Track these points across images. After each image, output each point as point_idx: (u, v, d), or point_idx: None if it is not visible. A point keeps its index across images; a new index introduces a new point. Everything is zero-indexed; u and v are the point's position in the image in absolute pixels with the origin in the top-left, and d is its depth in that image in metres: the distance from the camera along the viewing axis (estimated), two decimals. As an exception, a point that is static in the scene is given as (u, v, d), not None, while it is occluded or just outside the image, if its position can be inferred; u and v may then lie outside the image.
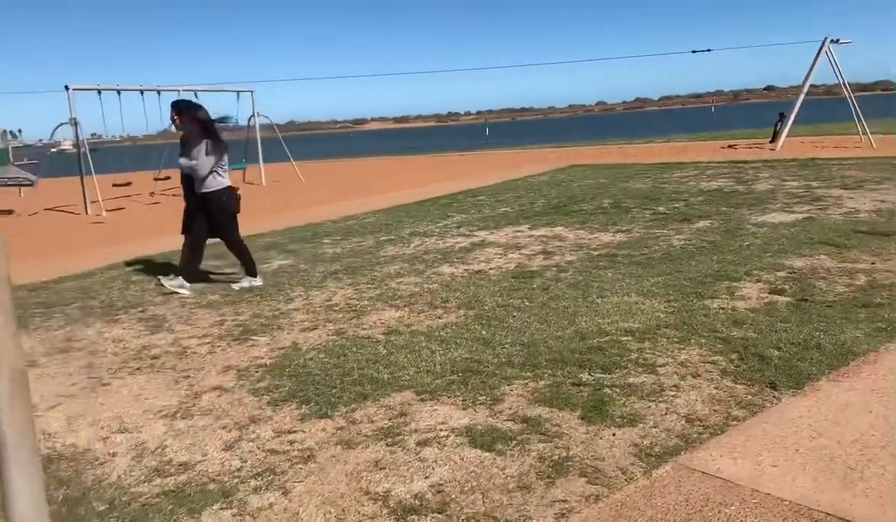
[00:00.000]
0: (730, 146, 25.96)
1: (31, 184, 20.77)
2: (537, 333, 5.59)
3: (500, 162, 26.95)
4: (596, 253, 8.67)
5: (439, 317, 6.25)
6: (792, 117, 23.60)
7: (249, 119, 24.81)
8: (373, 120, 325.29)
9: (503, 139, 75.37)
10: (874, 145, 21.49)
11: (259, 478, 3.56)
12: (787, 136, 24.72)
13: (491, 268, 8.13)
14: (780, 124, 24.58)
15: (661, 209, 12.01)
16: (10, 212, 20.06)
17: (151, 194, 21.91)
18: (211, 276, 8.44)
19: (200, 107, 7.91)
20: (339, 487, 3.43)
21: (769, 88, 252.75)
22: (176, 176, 23.87)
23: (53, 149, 24.73)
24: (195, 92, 22.14)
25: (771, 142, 24.59)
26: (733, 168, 18.13)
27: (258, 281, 7.75)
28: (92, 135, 23.17)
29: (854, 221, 9.78)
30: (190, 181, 7.68)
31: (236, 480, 3.56)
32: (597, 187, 15.82)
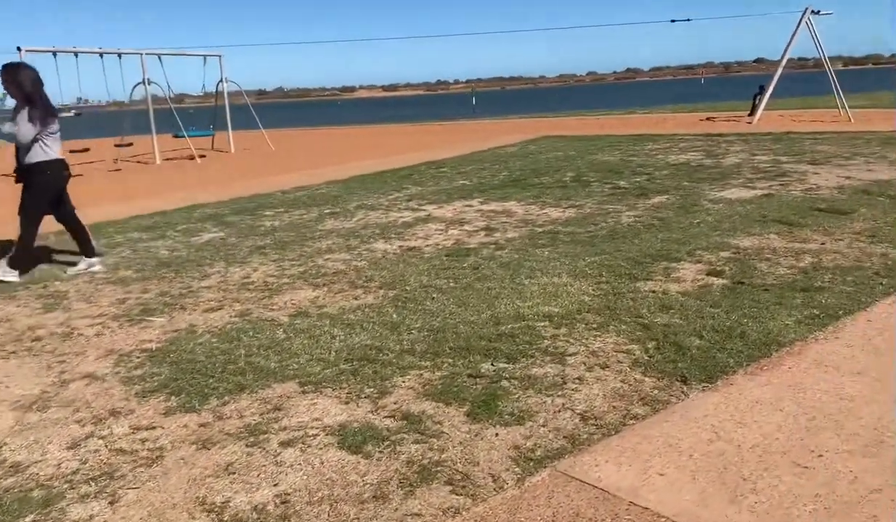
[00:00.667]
0: (708, 119, 25.56)
1: None
2: (451, 317, 5.23)
3: (476, 132, 26.45)
4: (540, 229, 8.29)
5: (356, 298, 5.88)
6: (769, 90, 23.19)
7: (217, 84, 24.11)
8: (361, 88, 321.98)
9: (490, 108, 74.65)
10: (852, 119, 21.15)
11: (92, 484, 3.20)
12: (766, 110, 24.35)
13: (427, 246, 7.75)
14: (758, 97, 24.16)
15: (622, 183, 11.63)
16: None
17: (115, 161, 21.30)
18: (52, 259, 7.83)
19: (27, 67, 7.05)
20: (174, 496, 3.07)
21: (759, 61, 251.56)
22: (140, 142, 23.31)
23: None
24: (159, 56, 21.49)
25: (749, 115, 24.19)
26: (707, 141, 17.76)
27: (97, 265, 7.14)
28: (77, 99, 22.11)
29: (814, 199, 9.44)
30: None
31: (66, 485, 3.19)
32: (564, 159, 15.41)
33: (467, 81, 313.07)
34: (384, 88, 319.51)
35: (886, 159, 12.88)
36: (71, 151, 20.24)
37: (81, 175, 18.10)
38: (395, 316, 5.32)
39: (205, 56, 23.23)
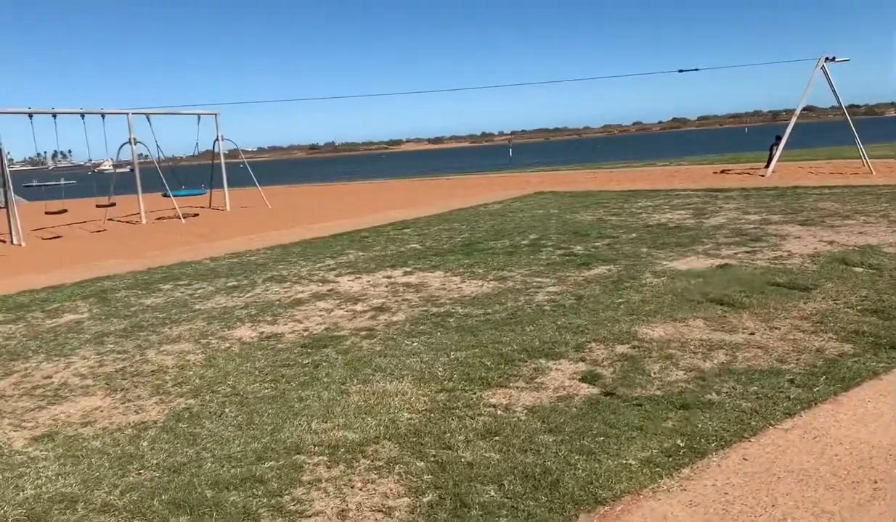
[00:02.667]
0: (723, 171, 24.18)
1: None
2: (212, 447, 4.18)
3: (479, 186, 25.52)
4: (435, 310, 7.21)
5: (138, 411, 4.88)
6: (783, 142, 21.78)
7: (215, 143, 23.73)
8: (408, 141, 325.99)
9: (527, 159, 74.14)
10: (873, 171, 19.59)
11: None
12: (786, 161, 22.89)
13: (293, 332, 6.73)
14: (774, 148, 22.74)
15: (577, 248, 10.49)
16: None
17: (103, 221, 20.88)
18: None
19: None
20: None
21: (809, 109, 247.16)
22: (123, 202, 22.87)
23: (94, 170, 23.96)
24: (147, 115, 21.22)
25: (765, 167, 22.75)
26: (704, 197, 16.47)
27: None
28: (139, 156, 21.80)
29: (776, 270, 8.18)
30: None
31: None
32: (538, 219, 14.32)
33: (511, 133, 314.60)
34: (430, 141, 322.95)
35: (887, 219, 11.47)
36: (47, 213, 19.97)
37: (60, 236, 17.68)
38: (145, 444, 4.29)
39: (199, 114, 22.91)
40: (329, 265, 10.33)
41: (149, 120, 21.20)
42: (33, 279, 10.66)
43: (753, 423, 4.21)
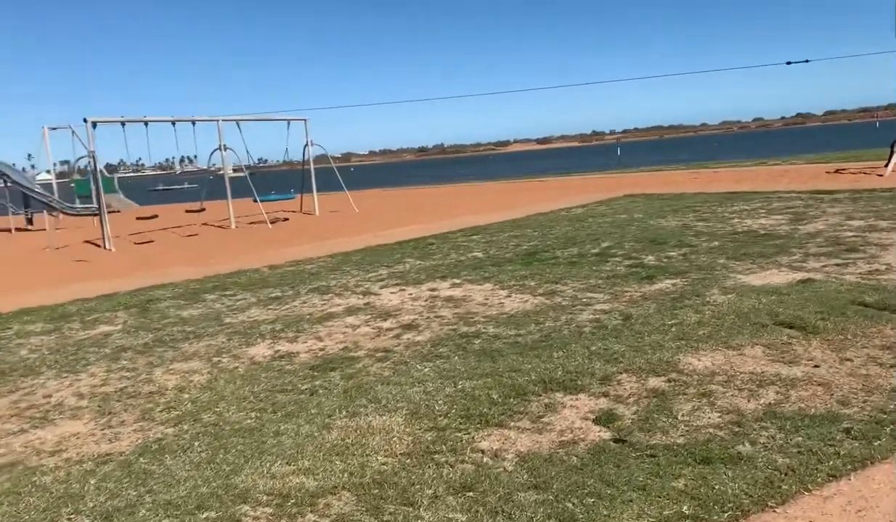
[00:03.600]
0: (837, 171, 22.21)
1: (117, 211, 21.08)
2: (156, 491, 3.82)
3: (571, 188, 24.63)
4: (465, 329, 6.67)
5: (112, 440, 4.64)
6: (903, 138, 19.68)
7: (304, 148, 23.99)
8: (516, 142, 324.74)
9: (636, 158, 71.96)
10: None
11: None
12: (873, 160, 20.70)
13: (308, 352, 6.36)
14: (895, 145, 20.63)
15: (648, 259, 9.65)
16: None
17: (196, 225, 21.50)
18: None
19: None
20: None
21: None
22: (210, 206, 23.45)
23: (214, 175, 25.23)
24: (237, 122, 21.69)
25: (886, 165, 20.67)
26: (808, 200, 15.05)
27: None
28: (259, 159, 22.30)
29: (866, 287, 7.12)
30: None
31: None
32: (618, 225, 13.45)
33: (623, 131, 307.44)
34: (538, 141, 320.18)
35: None
36: (138, 218, 20.72)
37: (152, 241, 18.29)
38: (93, 482, 4.00)
39: (288, 120, 23.22)
40: (380, 275, 9.95)
41: (239, 126, 21.65)
42: (99, 285, 10.85)
43: (785, 486, 3.44)
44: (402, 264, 10.84)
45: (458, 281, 9.09)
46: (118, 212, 23.39)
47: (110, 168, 44.69)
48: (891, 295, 6.83)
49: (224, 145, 20.92)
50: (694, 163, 37.18)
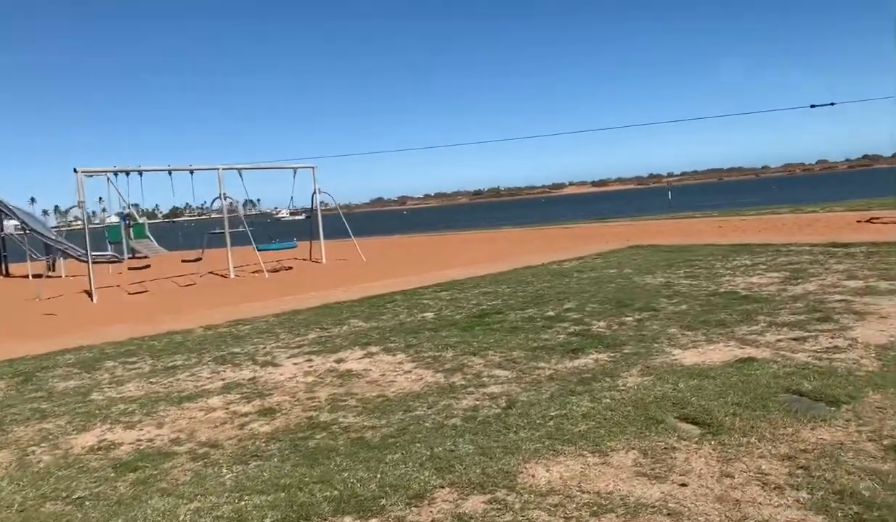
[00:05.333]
0: (870, 220, 20.68)
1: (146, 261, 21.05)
2: None
3: (586, 237, 23.62)
4: (325, 417, 5.90)
5: None
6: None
7: (313, 196, 23.70)
8: (571, 184, 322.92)
9: (689, 202, 70.20)
10: None
11: None
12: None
13: (132, 443, 5.67)
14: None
15: (598, 325, 8.75)
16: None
17: (196, 274, 21.27)
18: None
19: None
20: None
21: None
22: (208, 256, 23.17)
23: (271, 218, 25.25)
24: (239, 171, 21.54)
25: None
26: (819, 254, 13.84)
27: None
28: (322, 203, 22.40)
29: (812, 370, 6.13)
30: None
31: None
32: (598, 282, 12.51)
33: (681, 174, 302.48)
34: (593, 184, 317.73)
35: None
36: (130, 268, 20.54)
37: (146, 291, 18.04)
38: None
39: (295, 168, 22.98)
40: (303, 341, 9.26)
41: (241, 175, 21.48)
42: (32, 345, 10.45)
43: None
44: (341, 326, 10.13)
45: (375, 349, 8.32)
46: (119, 261, 23.03)
47: (148, 213, 45.41)
48: (836, 380, 5.80)
49: (224, 194, 20.73)
50: (732, 210, 35.65)
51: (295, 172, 23.06)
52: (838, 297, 9.25)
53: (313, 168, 23.42)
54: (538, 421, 5.30)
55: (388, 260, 22.06)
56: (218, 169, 20.59)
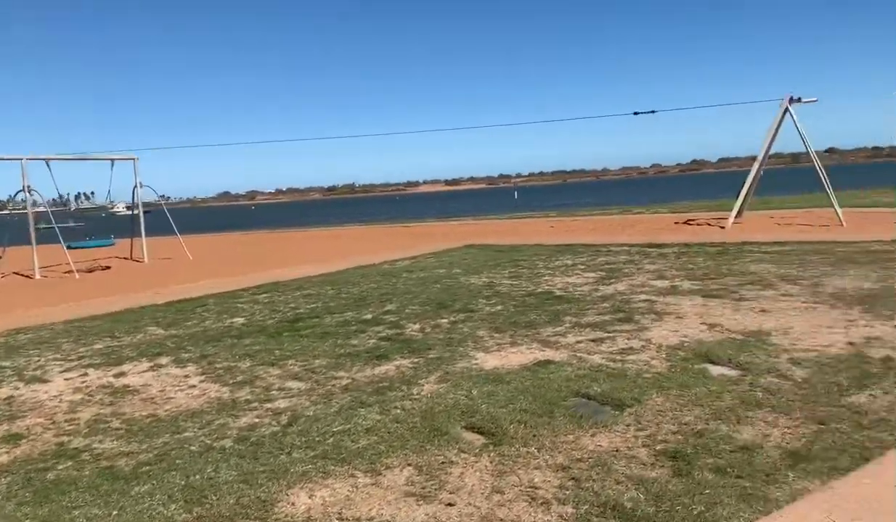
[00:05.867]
0: (687, 222, 21.99)
1: None
2: None
3: (425, 236, 23.55)
4: (79, 441, 5.21)
5: None
6: (743, 192, 19.64)
7: (134, 190, 22.02)
8: (425, 183, 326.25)
9: (532, 202, 72.46)
10: (844, 223, 17.33)
11: None
12: (757, 210, 20.73)
13: None
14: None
15: (412, 328, 8.50)
16: None
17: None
18: None
19: None
20: None
21: (830, 151, 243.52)
22: (20, 254, 21.05)
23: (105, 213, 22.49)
24: (46, 161, 19.64)
25: (736, 216, 20.48)
26: (636, 254, 14.38)
27: None
28: (161, 196, 20.35)
29: (604, 372, 6.15)
30: None
31: None
32: (425, 282, 12.31)
33: (529, 174, 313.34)
34: (446, 183, 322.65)
35: (812, 289, 9.30)
36: None
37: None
38: None
39: (112, 160, 21.26)
40: (87, 351, 8.38)
41: (48, 166, 19.62)
42: None
43: None
44: (135, 334, 9.28)
45: (164, 361, 7.62)
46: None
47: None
48: (624, 383, 5.82)
49: (28, 186, 18.81)
50: (568, 210, 37.08)
51: (112, 164, 21.36)
52: (644, 297, 9.55)
53: (134, 159, 21.79)
54: (317, 439, 4.91)
55: (219, 258, 20.95)
56: (21, 159, 18.65)
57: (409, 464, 4.43)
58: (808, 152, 18.93)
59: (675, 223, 21.81)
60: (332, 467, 4.44)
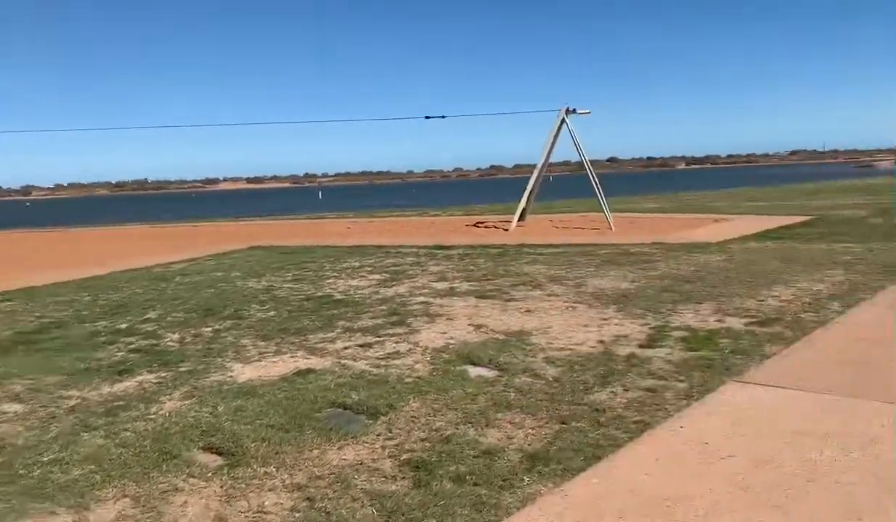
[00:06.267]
0: (477, 224, 22.65)
1: None
2: None
3: (209, 236, 22.29)
4: None
5: None
6: (525, 197, 20.58)
7: None
8: (225, 180, 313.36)
9: (339, 203, 71.50)
10: (613, 228, 18.65)
11: None
12: (539, 214, 21.81)
13: None
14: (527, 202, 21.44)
15: (170, 338, 7.81)
16: None
17: None
18: None
19: None
20: None
21: (611, 160, 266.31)
22: None
23: None
24: None
25: (519, 220, 21.35)
26: (424, 256, 14.46)
27: None
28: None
29: (366, 379, 5.94)
30: None
31: None
32: (197, 286, 11.53)
33: (336, 174, 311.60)
34: (248, 181, 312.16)
35: (576, 290, 9.74)
36: None
37: None
38: None
39: None
40: None
41: None
42: None
43: None
44: None
45: None
46: None
47: None
48: (383, 389, 5.68)
49: None
50: (375, 211, 37.05)
51: None
52: (422, 300, 9.54)
53: None
54: (20, 473, 4.25)
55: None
56: None
57: (126, 496, 3.93)
58: (585, 160, 20.17)
59: (467, 225, 22.41)
60: (31, 505, 3.83)
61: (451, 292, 10.07)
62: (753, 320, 7.59)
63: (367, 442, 4.66)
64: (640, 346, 6.77)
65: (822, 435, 4.40)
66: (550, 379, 5.87)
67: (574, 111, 19.99)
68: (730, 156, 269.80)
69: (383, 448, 4.57)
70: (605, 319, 7.98)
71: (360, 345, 7.14)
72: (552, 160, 21.63)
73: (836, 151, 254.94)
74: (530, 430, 4.77)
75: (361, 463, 4.34)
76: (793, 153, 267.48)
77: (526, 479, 4.03)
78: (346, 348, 7.06)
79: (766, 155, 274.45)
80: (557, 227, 20.15)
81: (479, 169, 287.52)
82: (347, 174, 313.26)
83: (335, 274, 12.47)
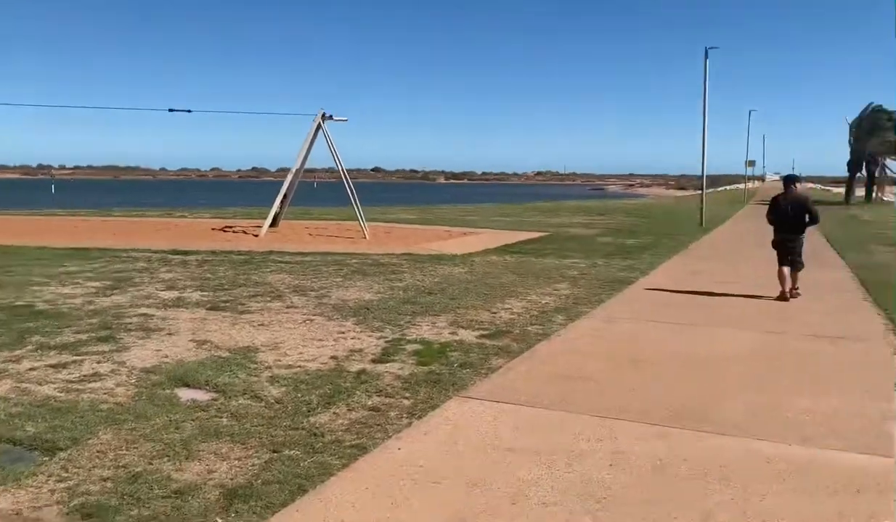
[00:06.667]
0: (224, 228, 21.39)
1: None
2: None
3: None
4: None
5: None
6: (278, 201, 19.88)
7: None
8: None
9: (74, 198, 64.41)
10: (367, 236, 18.54)
11: None
12: (293, 220, 21.13)
13: None
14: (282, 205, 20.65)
15: None
16: None
17: None
18: None
19: None
20: None
21: (376, 169, 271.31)
22: None
23: None
24: None
25: (271, 225, 20.44)
26: (156, 262, 13.18)
27: None
28: None
29: (50, 407, 4.97)
30: None
31: None
32: None
33: (75, 167, 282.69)
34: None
35: (317, 301, 9.32)
36: None
37: None
38: None
39: None
40: None
41: None
42: None
43: None
44: None
45: None
46: None
47: None
48: (69, 419, 4.84)
49: None
50: (135, 210, 33.76)
51: None
52: (143, 311, 8.59)
53: None
54: None
55: None
56: None
57: None
58: (341, 167, 19.92)
59: (213, 229, 21.15)
60: None
61: (179, 303, 9.21)
62: (485, 333, 7.73)
63: (32, 486, 3.89)
64: (373, 361, 6.55)
65: (533, 451, 4.41)
66: (272, 400, 5.42)
67: (331, 117, 19.70)
68: (484, 174, 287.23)
69: (52, 491, 3.83)
70: (342, 333, 7.69)
71: (52, 366, 6.14)
72: (318, 165, 21.18)
73: (574, 174, 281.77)
74: (236, 461, 4.28)
75: (17, 514, 3.57)
76: (538, 174, 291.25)
77: (219, 521, 3.54)
78: (31, 369, 6.03)
79: (516, 173, 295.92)
80: (312, 235, 19.69)
81: (239, 170, 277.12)
82: (90, 167, 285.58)
83: (46, 279, 10.94)
